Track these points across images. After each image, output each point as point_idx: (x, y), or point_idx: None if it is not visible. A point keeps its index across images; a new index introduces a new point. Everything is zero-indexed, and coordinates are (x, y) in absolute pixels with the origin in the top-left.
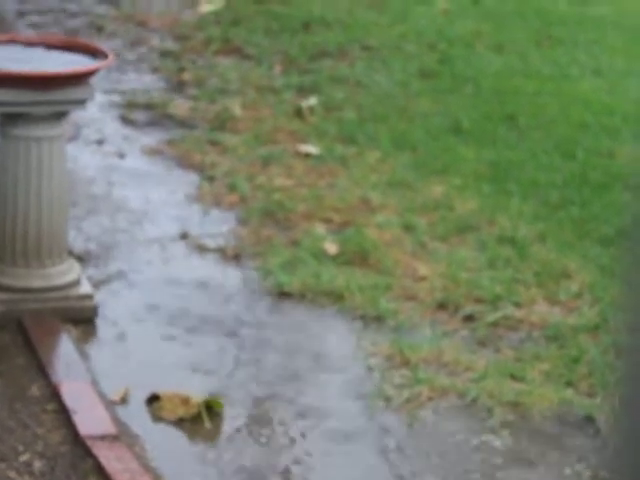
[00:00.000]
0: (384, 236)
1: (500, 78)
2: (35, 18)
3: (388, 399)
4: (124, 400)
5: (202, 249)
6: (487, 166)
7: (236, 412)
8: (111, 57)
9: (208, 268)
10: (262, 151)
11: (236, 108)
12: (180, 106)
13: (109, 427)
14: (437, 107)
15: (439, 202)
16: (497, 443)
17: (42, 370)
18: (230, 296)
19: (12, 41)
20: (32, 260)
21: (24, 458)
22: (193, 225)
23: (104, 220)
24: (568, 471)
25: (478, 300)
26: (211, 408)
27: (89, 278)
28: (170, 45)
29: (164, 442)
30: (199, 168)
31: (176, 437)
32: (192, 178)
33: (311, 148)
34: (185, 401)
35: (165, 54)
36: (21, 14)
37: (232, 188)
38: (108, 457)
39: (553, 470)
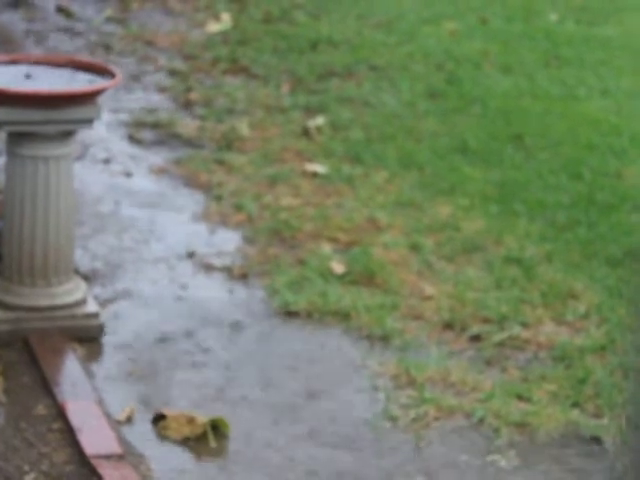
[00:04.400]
0: (391, 256)
1: (507, 98)
2: (43, 37)
3: (394, 419)
4: (130, 419)
5: (209, 268)
6: (494, 186)
7: (242, 432)
8: (119, 76)
9: (215, 287)
10: (269, 170)
11: (243, 128)
12: (187, 125)
13: (115, 446)
14: (444, 127)
15: (446, 222)
16: (503, 463)
17: (48, 389)
18: (236, 315)
19: (19, 60)
20: (38, 279)
21: (29, 477)
22: (200, 244)
23: (111, 239)
24: None
25: (485, 320)
26: (217, 428)
27: (95, 297)
28: (178, 64)
29: (170, 462)
30: (206, 187)
31: (182, 457)
32: (199, 197)
33: (318, 168)
34: (191, 420)
35: (173, 73)
36: (29, 33)
37: (239, 207)
38: (113, 476)
39: None
